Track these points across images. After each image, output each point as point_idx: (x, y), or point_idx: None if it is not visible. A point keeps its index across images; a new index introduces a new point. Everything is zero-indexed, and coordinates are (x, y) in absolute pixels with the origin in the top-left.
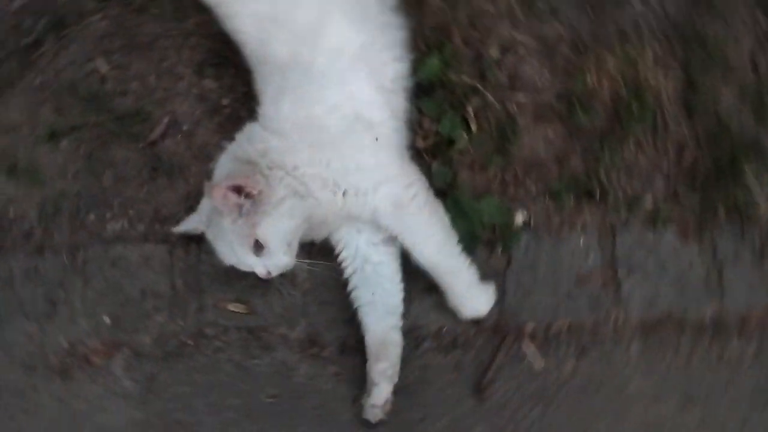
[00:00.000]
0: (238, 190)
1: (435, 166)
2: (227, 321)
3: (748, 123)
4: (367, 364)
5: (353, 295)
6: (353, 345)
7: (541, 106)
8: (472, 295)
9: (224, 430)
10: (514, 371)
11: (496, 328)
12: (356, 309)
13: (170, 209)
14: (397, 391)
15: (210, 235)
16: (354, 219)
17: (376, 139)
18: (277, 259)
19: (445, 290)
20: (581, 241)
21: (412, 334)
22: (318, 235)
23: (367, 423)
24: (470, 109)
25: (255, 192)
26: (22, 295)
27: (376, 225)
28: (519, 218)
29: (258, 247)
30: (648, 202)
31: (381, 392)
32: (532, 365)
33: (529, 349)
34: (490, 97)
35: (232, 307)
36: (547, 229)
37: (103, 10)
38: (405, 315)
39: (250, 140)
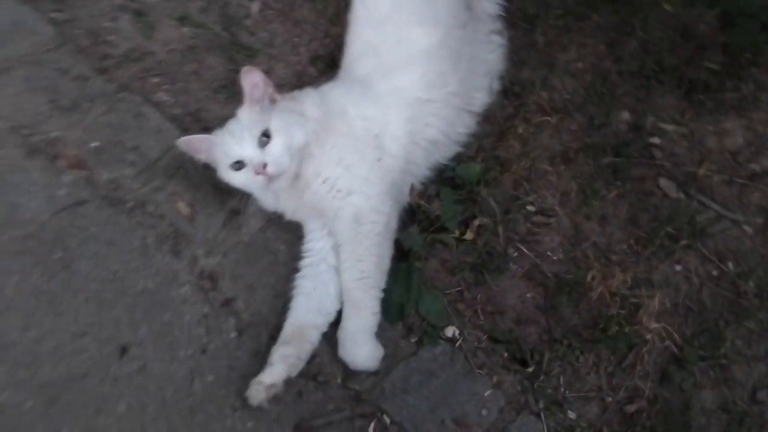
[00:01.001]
0: (268, 84)
1: (414, 229)
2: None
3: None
4: (274, 346)
5: (297, 282)
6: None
7: (537, 268)
8: (359, 341)
9: None
10: None
11: (358, 396)
12: (292, 295)
13: None
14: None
15: (220, 139)
16: (319, 211)
17: (378, 160)
18: (278, 153)
19: (342, 320)
20: (487, 393)
21: None
22: (297, 214)
23: (245, 402)
24: (476, 223)
25: (278, 99)
26: None
27: (328, 226)
28: (450, 331)
29: (263, 141)
30: (570, 415)
31: (273, 373)
32: None
33: None
34: (500, 231)
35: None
36: (469, 360)
37: None
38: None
39: (305, 93)
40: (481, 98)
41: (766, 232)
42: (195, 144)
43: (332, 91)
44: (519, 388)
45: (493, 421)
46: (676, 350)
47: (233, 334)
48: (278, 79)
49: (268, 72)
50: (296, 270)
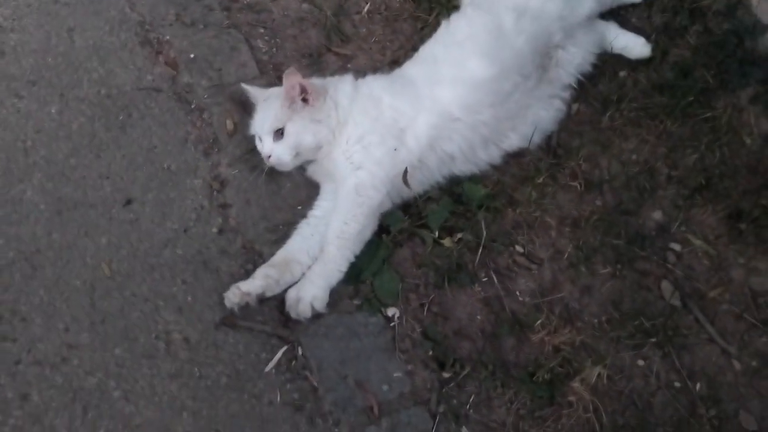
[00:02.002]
0: (304, 90)
1: (399, 213)
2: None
3: None
4: (261, 266)
5: (301, 224)
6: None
7: (498, 299)
8: (314, 283)
9: None
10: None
11: (285, 321)
12: (295, 231)
13: None
14: None
15: (260, 106)
16: (331, 175)
17: (395, 149)
18: (282, 153)
19: (312, 266)
20: (396, 375)
21: None
22: (316, 175)
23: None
24: (459, 235)
25: (310, 101)
26: None
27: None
28: (392, 311)
29: (278, 136)
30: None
31: (251, 284)
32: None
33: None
34: (479, 253)
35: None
36: (395, 341)
37: None
38: None
39: (342, 80)
40: (515, 140)
41: (756, 376)
42: (252, 94)
43: (374, 82)
44: (428, 386)
45: (390, 400)
46: (597, 429)
47: (215, 230)
48: (356, 65)
49: (350, 58)
50: (293, 209)
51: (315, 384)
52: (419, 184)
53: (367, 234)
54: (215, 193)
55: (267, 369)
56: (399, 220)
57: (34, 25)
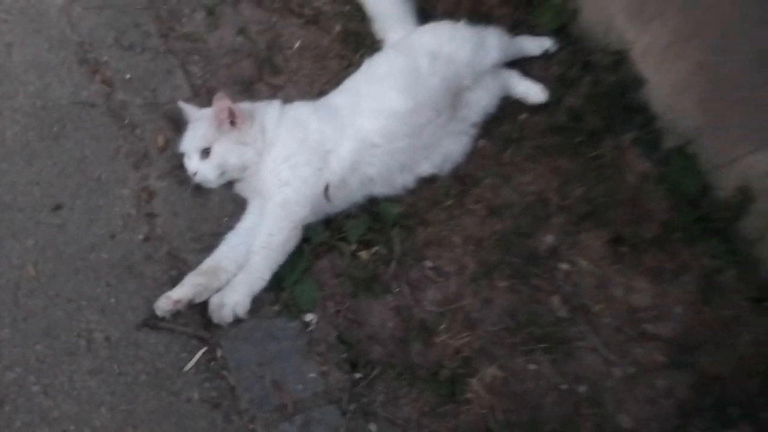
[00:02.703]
0: (232, 114)
1: (320, 226)
2: None
3: None
4: (190, 273)
5: (229, 234)
6: None
7: (408, 309)
8: (237, 290)
9: None
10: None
11: (206, 323)
12: (223, 241)
13: None
14: None
15: (190, 126)
16: (259, 191)
17: (320, 169)
18: (207, 171)
19: (236, 275)
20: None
21: None
22: (244, 191)
23: (153, 312)
24: (374, 249)
25: (237, 124)
26: None
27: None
28: (309, 317)
29: (204, 155)
30: (371, 428)
31: (181, 291)
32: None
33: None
34: (392, 266)
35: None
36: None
37: None
38: None
39: (269, 104)
40: (427, 167)
41: (633, 382)
42: (187, 112)
43: (301, 107)
44: (340, 386)
45: (304, 398)
46: (492, 424)
47: (141, 237)
48: (285, 95)
49: (280, 87)
50: (219, 221)
51: (232, 383)
52: (341, 201)
53: (291, 245)
54: (143, 203)
55: (186, 368)
56: (320, 233)
57: None
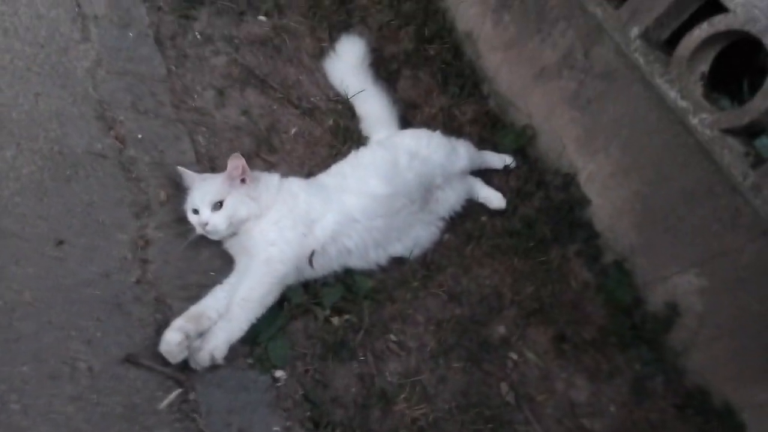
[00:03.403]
0: (244, 171)
1: (300, 289)
2: None
3: None
4: (179, 317)
5: (217, 288)
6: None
7: (371, 377)
8: (217, 336)
9: None
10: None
11: (184, 366)
12: (210, 292)
13: None
14: None
15: (198, 185)
16: (247, 250)
17: (304, 235)
18: (219, 221)
19: (217, 322)
20: (276, 429)
21: None
22: (233, 249)
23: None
24: (345, 317)
25: (247, 182)
26: None
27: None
28: (279, 373)
29: (215, 207)
30: None
31: (168, 336)
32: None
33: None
34: (359, 335)
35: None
36: (279, 399)
37: None
38: None
39: (271, 175)
40: (399, 248)
41: None
42: (185, 177)
43: (295, 182)
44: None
45: None
46: None
47: (133, 279)
48: (278, 171)
49: (274, 165)
50: (206, 274)
51: (201, 427)
52: (320, 268)
53: (270, 301)
54: (139, 249)
55: (160, 406)
56: (299, 294)
57: (6, 84)
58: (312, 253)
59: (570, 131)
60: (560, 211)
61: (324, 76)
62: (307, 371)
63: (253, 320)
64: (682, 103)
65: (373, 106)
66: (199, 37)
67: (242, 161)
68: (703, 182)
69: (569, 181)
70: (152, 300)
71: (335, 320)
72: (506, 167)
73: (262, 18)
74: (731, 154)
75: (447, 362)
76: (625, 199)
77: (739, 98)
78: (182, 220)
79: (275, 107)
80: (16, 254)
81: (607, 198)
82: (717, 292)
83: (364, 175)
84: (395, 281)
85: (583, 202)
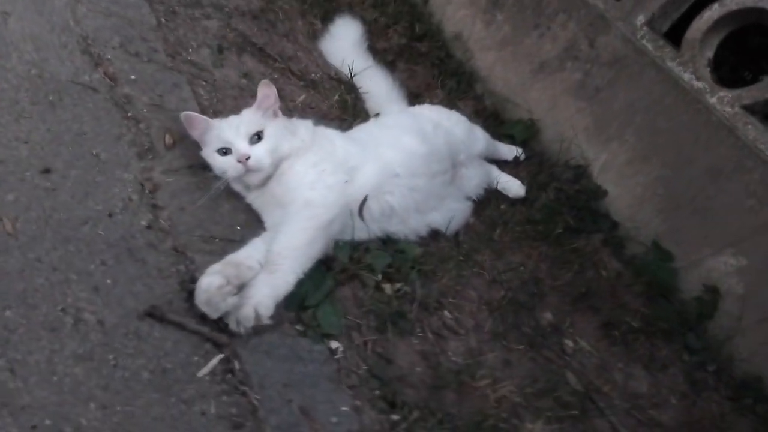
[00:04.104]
0: (276, 101)
1: (347, 246)
2: None
3: None
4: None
5: (254, 240)
6: None
7: (435, 356)
8: (260, 289)
9: None
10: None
11: (224, 328)
12: (246, 244)
13: None
14: None
15: (224, 122)
16: (279, 200)
17: (345, 182)
18: (262, 154)
19: (258, 275)
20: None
21: None
22: (258, 201)
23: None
24: (398, 285)
25: (279, 114)
26: None
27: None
28: (335, 345)
29: (254, 139)
30: None
31: (206, 280)
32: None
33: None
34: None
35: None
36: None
37: None
38: None
39: (302, 120)
40: (437, 218)
41: None
42: (195, 120)
43: (327, 129)
44: (377, 427)
45: None
46: None
47: (144, 223)
48: None
49: None
50: (231, 228)
51: (255, 402)
52: (361, 227)
53: (315, 252)
54: (146, 193)
55: (200, 374)
56: (345, 253)
57: None
58: (365, 199)
59: (578, 122)
60: (578, 201)
61: (321, 56)
62: (365, 343)
63: (300, 274)
64: (698, 84)
65: (379, 84)
66: None
67: (273, 89)
68: (731, 159)
69: (581, 172)
70: (169, 249)
71: (387, 288)
72: (516, 158)
73: None
74: (755, 129)
75: (507, 345)
76: (645, 186)
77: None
78: (194, 168)
79: (276, 76)
80: None
81: (624, 187)
82: (759, 270)
83: (395, 135)
84: (435, 258)
85: (599, 193)
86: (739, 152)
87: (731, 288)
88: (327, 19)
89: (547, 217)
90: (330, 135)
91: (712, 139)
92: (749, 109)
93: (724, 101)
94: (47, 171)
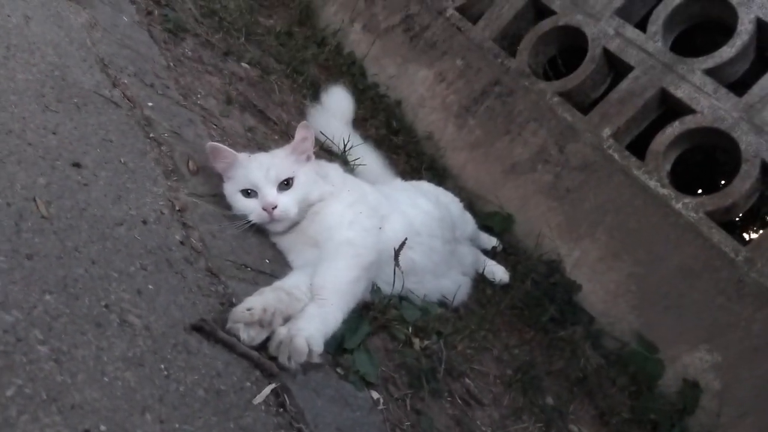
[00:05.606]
0: (312, 145)
1: (381, 291)
2: None
3: None
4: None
5: (296, 271)
6: None
7: (464, 421)
8: (311, 326)
9: None
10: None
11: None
12: (289, 274)
13: None
14: None
15: (251, 163)
16: (314, 240)
17: (380, 228)
18: (290, 204)
19: (303, 306)
20: None
21: None
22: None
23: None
24: (426, 342)
25: (312, 158)
26: None
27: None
28: (375, 395)
29: (282, 187)
30: None
31: (249, 301)
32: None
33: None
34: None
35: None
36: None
37: None
38: None
39: (333, 166)
40: (448, 285)
41: None
42: (222, 153)
43: (357, 178)
44: None
45: None
46: None
47: (178, 237)
48: None
49: None
50: (262, 260)
51: None
52: (384, 285)
53: (359, 291)
54: (176, 211)
55: (255, 401)
56: (381, 296)
57: None
58: (403, 243)
59: (550, 219)
60: (556, 294)
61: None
62: (403, 399)
63: (346, 312)
64: (663, 191)
65: (372, 159)
66: (190, 53)
67: (312, 132)
68: (700, 258)
69: (555, 267)
70: (203, 269)
71: (416, 343)
72: (494, 248)
73: (245, 65)
74: (719, 233)
75: (526, 422)
76: (618, 282)
77: None
78: (219, 197)
79: (277, 138)
80: (18, 153)
81: (598, 283)
82: (733, 366)
83: (412, 196)
84: (451, 323)
85: (573, 287)
86: (708, 252)
87: (709, 384)
88: (315, 98)
89: (532, 305)
90: (358, 181)
91: (681, 239)
92: (711, 215)
93: (689, 207)
94: (77, 165)
